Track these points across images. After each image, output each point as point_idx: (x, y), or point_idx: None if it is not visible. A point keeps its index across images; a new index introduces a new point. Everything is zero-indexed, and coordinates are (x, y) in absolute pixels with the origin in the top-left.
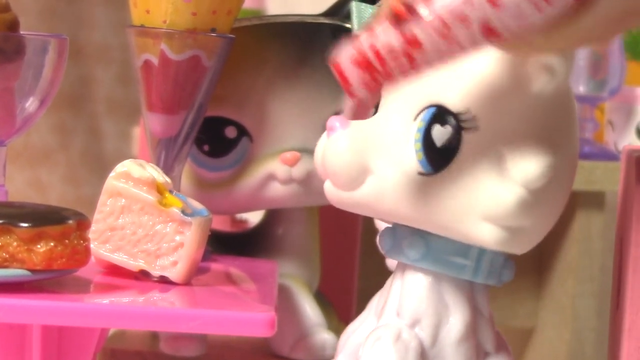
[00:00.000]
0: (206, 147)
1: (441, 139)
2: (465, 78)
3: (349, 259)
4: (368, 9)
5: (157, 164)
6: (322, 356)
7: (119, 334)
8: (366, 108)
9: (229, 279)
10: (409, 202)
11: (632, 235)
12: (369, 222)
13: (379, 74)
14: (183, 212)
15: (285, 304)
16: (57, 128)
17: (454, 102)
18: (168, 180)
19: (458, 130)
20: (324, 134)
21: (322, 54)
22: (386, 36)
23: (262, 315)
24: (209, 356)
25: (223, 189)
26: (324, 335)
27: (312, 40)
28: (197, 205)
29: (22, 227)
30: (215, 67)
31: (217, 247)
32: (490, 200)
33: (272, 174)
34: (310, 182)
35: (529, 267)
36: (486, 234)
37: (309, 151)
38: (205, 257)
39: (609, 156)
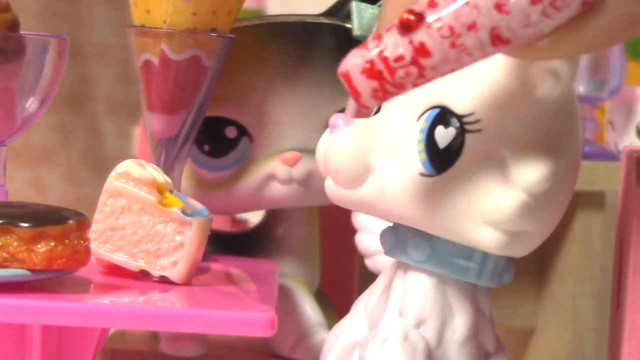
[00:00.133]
0: (206, 147)
1: (444, 140)
2: (470, 80)
3: (349, 259)
4: (368, 9)
5: (157, 164)
6: None
7: (119, 334)
8: (368, 108)
9: (229, 279)
10: (410, 202)
11: (632, 235)
12: None
13: (389, 83)
14: (183, 212)
15: (285, 304)
16: (57, 128)
17: (458, 103)
18: (168, 180)
19: (461, 133)
20: (326, 132)
21: (322, 54)
22: (395, 46)
23: (262, 315)
24: (209, 356)
25: (223, 189)
26: (324, 335)
27: (312, 40)
28: (197, 205)
29: (22, 227)
30: (216, 67)
31: (217, 247)
32: (492, 205)
33: (272, 174)
34: (311, 182)
35: (530, 267)
36: (487, 238)
37: (309, 151)
38: (206, 257)
39: (609, 156)
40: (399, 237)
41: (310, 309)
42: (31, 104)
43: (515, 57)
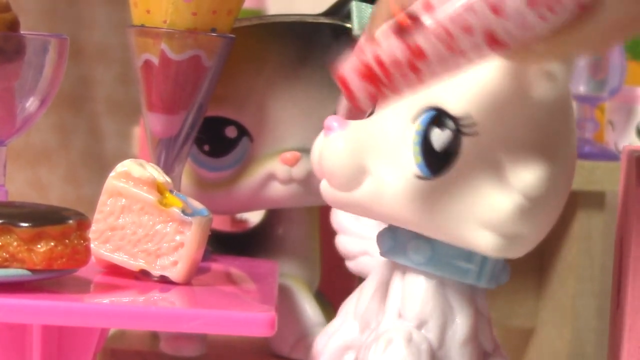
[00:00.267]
0: (206, 147)
1: (440, 142)
2: (466, 82)
3: None
4: (368, 9)
5: (158, 164)
6: None
7: (119, 334)
8: (362, 109)
9: (229, 278)
10: (406, 205)
11: (632, 235)
12: None
13: (384, 85)
14: (183, 212)
15: (285, 303)
16: (57, 128)
17: (453, 106)
18: (168, 180)
19: (457, 135)
20: (321, 134)
21: (322, 54)
22: (390, 47)
23: (262, 315)
24: (209, 356)
25: (223, 188)
26: None
27: (312, 40)
28: (197, 205)
29: (22, 227)
30: (216, 67)
31: (217, 247)
32: (488, 207)
33: (272, 173)
34: (311, 182)
35: (530, 267)
36: (483, 240)
37: (309, 151)
38: (206, 257)
39: (609, 156)
40: (397, 238)
41: (310, 309)
42: (31, 104)
43: (511, 60)
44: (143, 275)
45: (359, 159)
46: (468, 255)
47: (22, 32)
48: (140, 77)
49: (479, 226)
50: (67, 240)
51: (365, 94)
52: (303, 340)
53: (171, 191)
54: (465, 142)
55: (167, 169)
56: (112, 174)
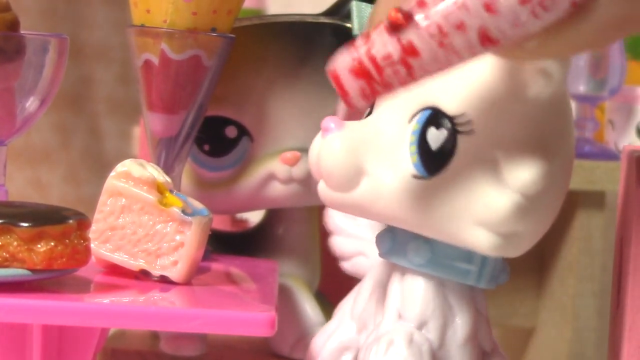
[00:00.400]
0: (206, 147)
1: (436, 142)
2: (462, 81)
3: None
4: (368, 9)
5: (158, 164)
6: None
7: (119, 334)
8: (357, 108)
9: (229, 278)
10: (403, 205)
11: (632, 234)
12: None
13: (377, 83)
14: (183, 211)
15: (285, 303)
16: (57, 128)
17: (449, 105)
18: (168, 179)
19: (453, 134)
20: (319, 135)
21: (322, 54)
22: (384, 45)
23: (262, 315)
24: (209, 356)
25: (223, 188)
26: None
27: (312, 40)
28: (197, 204)
29: (22, 226)
30: (216, 67)
31: (217, 247)
32: (485, 206)
33: (273, 173)
34: (311, 182)
35: (530, 267)
36: (480, 239)
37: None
38: (206, 257)
39: (609, 156)
40: (396, 240)
41: (310, 309)
42: (31, 103)
43: (504, 58)
44: (143, 275)
45: (356, 160)
46: (468, 256)
47: (22, 32)
48: (140, 77)
49: (476, 225)
50: (67, 240)
51: (357, 91)
52: (303, 340)
53: (171, 191)
54: (462, 141)
55: (167, 169)
56: (112, 173)
